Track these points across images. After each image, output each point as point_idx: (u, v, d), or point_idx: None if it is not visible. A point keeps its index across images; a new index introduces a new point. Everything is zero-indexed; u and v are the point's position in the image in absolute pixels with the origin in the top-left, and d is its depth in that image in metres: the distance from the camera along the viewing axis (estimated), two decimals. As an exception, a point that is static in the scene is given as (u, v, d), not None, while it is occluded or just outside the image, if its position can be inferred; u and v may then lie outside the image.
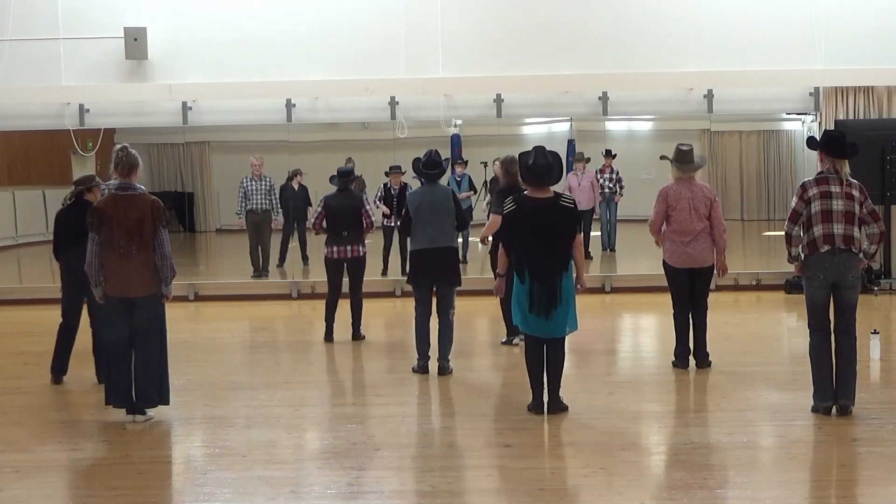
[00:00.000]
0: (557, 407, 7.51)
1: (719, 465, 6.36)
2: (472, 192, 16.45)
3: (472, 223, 16.55)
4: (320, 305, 11.22)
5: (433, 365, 8.96)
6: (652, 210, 9.04)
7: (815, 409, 7.34)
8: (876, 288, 13.29)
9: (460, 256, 15.49)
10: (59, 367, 8.83)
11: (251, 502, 5.87)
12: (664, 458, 6.63)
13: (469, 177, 16.41)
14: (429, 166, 9.11)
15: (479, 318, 12.32)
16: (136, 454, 6.82)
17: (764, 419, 7.41)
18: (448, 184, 15.69)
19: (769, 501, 5.73)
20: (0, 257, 19.43)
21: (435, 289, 9.06)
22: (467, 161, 16.81)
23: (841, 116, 13.64)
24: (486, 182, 17.79)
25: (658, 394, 8.41)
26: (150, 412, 7.56)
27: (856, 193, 7.25)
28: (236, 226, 16.12)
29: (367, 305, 10.83)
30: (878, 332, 9.23)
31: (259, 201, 15.30)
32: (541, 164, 7.44)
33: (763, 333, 11.29)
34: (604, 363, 9.81)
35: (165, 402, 7.62)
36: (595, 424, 7.33)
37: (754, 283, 13.91)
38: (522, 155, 7.66)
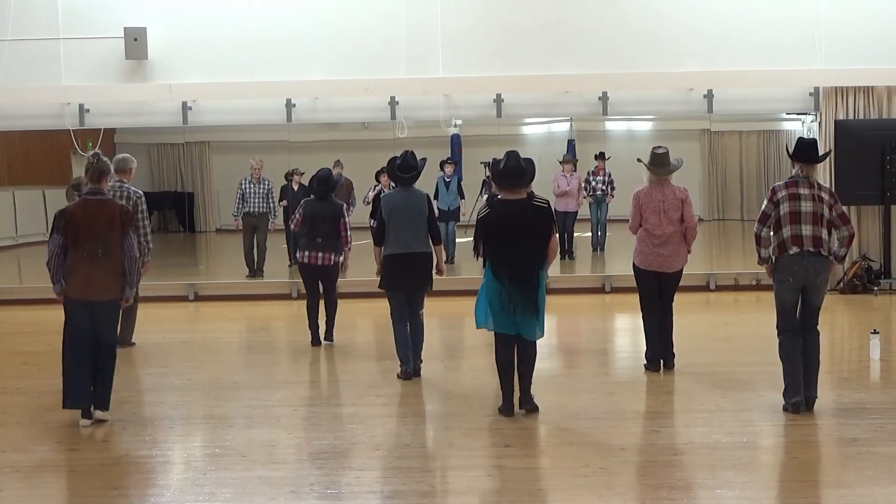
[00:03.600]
0: (529, 404, 7.53)
1: (719, 465, 6.35)
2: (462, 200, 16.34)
3: (462, 223, 16.59)
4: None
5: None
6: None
7: (785, 408, 7.42)
8: (876, 288, 13.30)
9: (450, 257, 15.53)
10: None
11: (251, 502, 5.88)
12: (664, 458, 6.62)
13: (459, 179, 16.20)
14: (403, 169, 8.85)
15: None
16: (136, 454, 6.82)
17: (764, 419, 7.40)
18: (437, 184, 15.69)
19: (769, 501, 5.73)
20: (0, 257, 19.45)
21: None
22: (457, 161, 16.67)
23: (841, 116, 13.63)
24: (485, 182, 17.80)
25: (658, 394, 8.41)
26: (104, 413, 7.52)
27: (825, 196, 7.39)
28: (235, 226, 16.12)
29: (365, 306, 10.82)
30: (878, 332, 9.24)
31: (256, 204, 15.30)
32: (512, 167, 7.46)
33: (763, 333, 11.21)
34: (604, 363, 9.80)
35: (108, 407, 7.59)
36: (595, 424, 7.33)
37: (754, 283, 13.89)
38: (495, 161, 7.71)
